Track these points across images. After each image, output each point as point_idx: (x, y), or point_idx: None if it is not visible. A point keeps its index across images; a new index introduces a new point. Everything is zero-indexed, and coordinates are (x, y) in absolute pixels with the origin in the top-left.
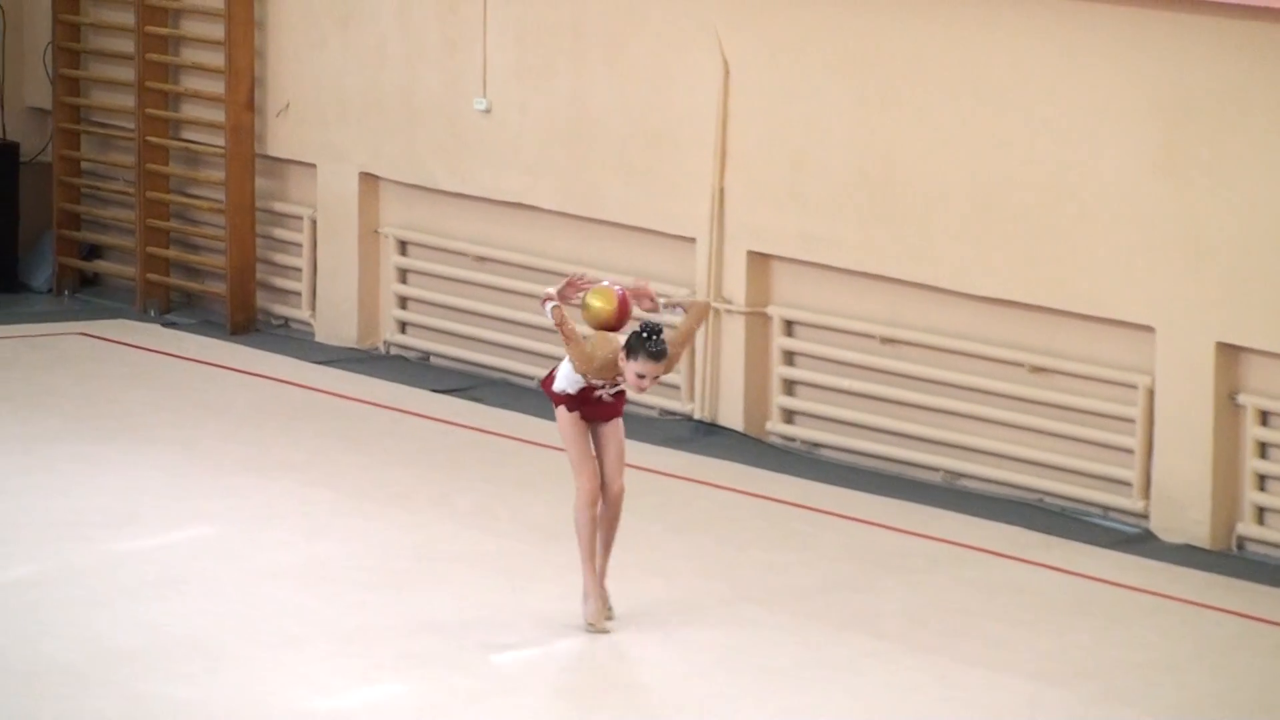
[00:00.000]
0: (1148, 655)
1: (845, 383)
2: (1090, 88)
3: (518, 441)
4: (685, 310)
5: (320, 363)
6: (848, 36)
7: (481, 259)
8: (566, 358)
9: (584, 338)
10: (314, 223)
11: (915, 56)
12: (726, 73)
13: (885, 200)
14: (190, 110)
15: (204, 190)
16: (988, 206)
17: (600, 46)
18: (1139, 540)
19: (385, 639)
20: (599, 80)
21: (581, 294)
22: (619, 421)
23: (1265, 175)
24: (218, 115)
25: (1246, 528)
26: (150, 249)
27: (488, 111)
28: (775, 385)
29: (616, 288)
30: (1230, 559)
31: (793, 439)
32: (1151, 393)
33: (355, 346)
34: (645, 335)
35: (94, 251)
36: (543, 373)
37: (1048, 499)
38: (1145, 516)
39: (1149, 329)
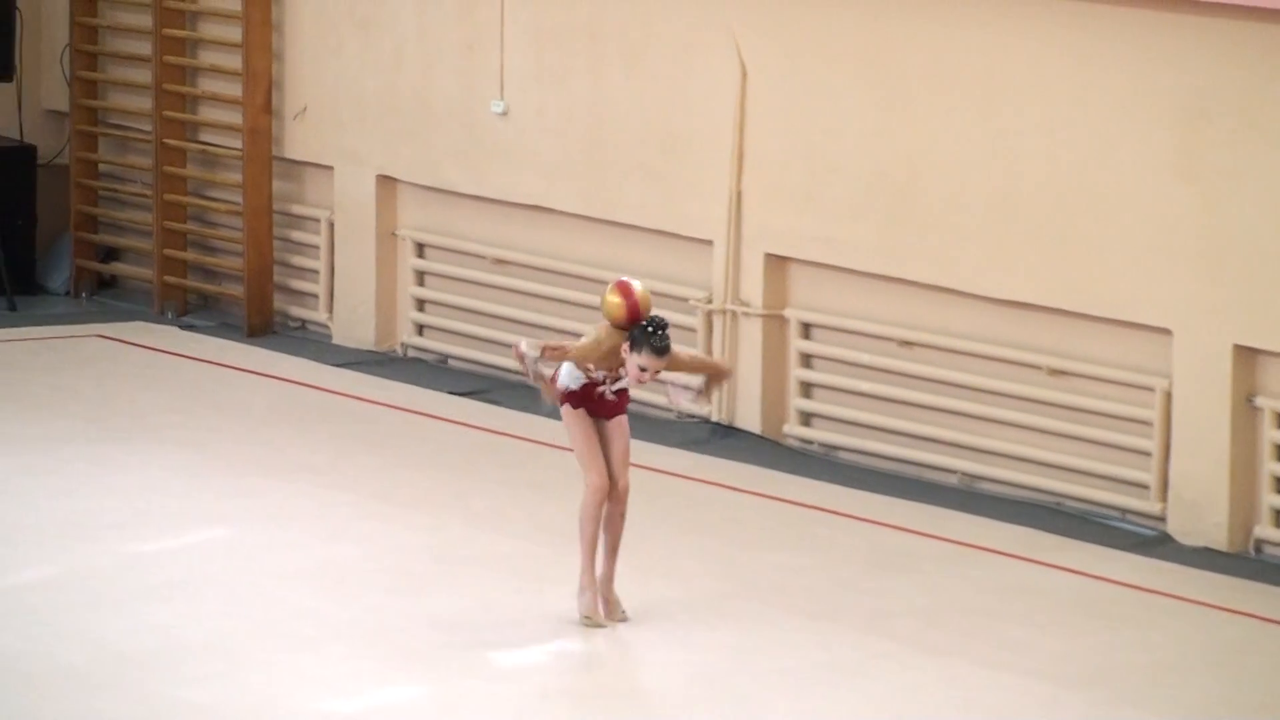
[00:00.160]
0: (1164, 658)
1: (863, 385)
2: (1109, 91)
3: (534, 444)
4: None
5: (337, 365)
6: (866, 40)
7: (499, 261)
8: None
9: (586, 337)
10: (331, 225)
11: (933, 60)
12: (744, 76)
13: (903, 203)
14: (207, 113)
15: (221, 193)
16: (1006, 209)
17: (618, 49)
18: (1156, 543)
19: (401, 641)
20: (617, 83)
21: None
22: (624, 419)
23: None
24: (235, 118)
25: (1264, 530)
26: (167, 251)
27: (505, 114)
28: (792, 388)
29: (635, 284)
30: (1248, 561)
31: (810, 441)
32: (1169, 395)
33: (372, 349)
34: (651, 330)
35: (111, 254)
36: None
37: (1065, 501)
38: (1162, 519)
39: (1166, 332)
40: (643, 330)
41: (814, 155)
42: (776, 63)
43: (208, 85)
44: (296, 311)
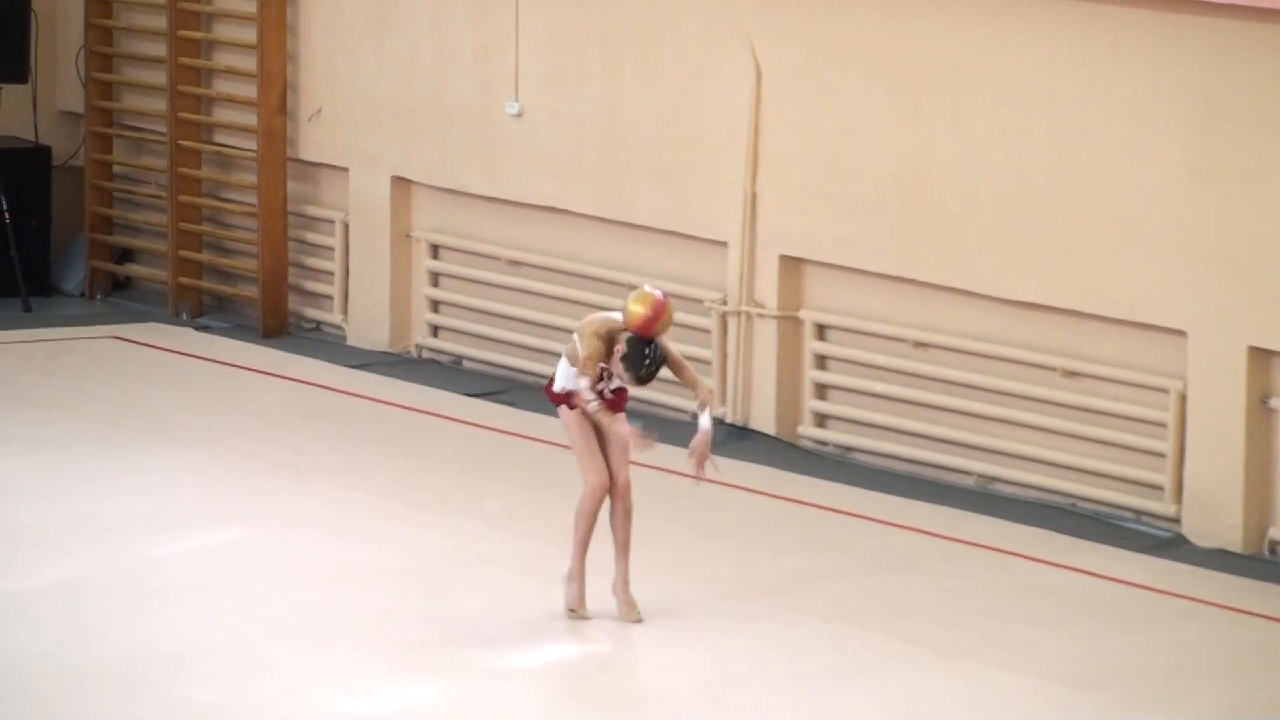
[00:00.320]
0: (1180, 660)
1: (877, 387)
2: (1123, 93)
3: (549, 445)
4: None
5: (352, 366)
6: (880, 42)
7: (513, 263)
8: (563, 358)
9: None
10: (346, 226)
11: (948, 61)
12: (759, 77)
13: (918, 204)
14: (222, 114)
15: (236, 194)
16: (1020, 211)
17: (632, 51)
18: (1171, 544)
19: (415, 641)
20: (631, 85)
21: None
22: (622, 418)
23: None
24: (250, 119)
25: (1279, 532)
26: (182, 252)
27: (520, 116)
28: (807, 389)
29: (658, 293)
30: (1262, 563)
31: (825, 443)
32: (1183, 397)
33: (387, 350)
34: (648, 362)
35: (126, 255)
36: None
37: (1080, 503)
38: (1177, 521)
39: (1181, 333)
40: (639, 357)
41: (829, 157)
42: (791, 65)
43: (222, 87)
44: (311, 313)
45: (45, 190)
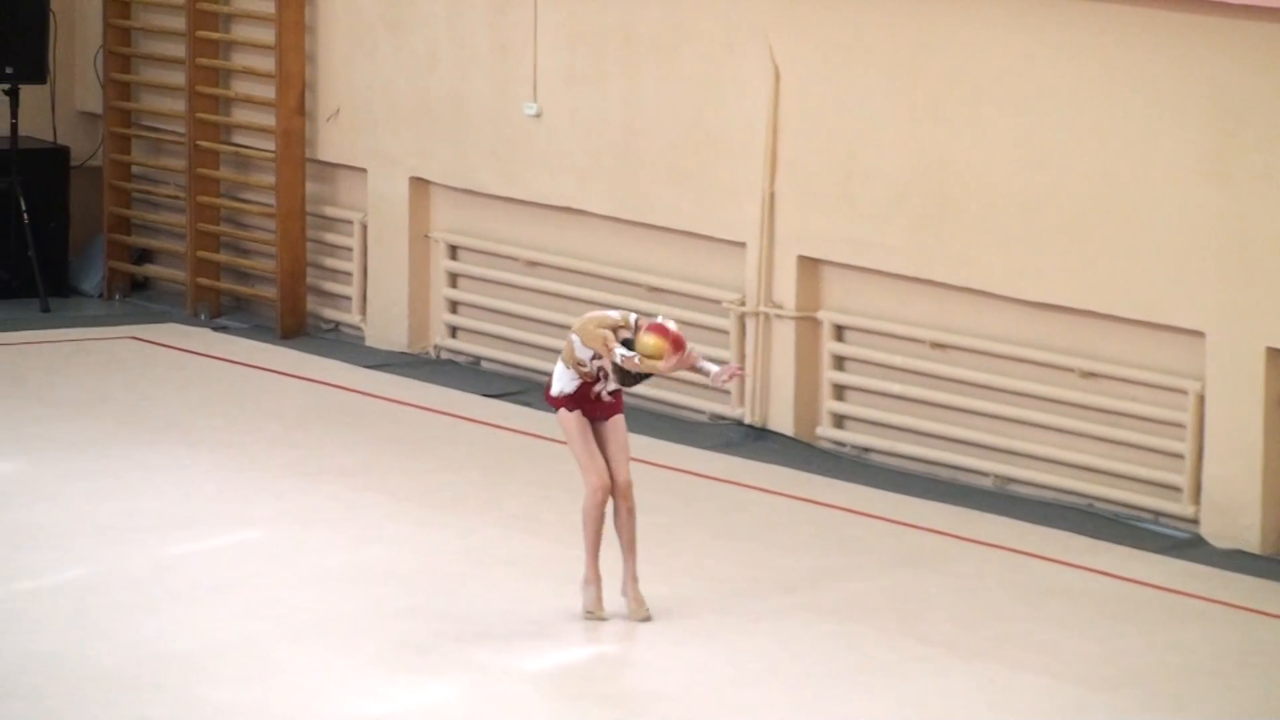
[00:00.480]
0: (1197, 660)
1: (895, 388)
2: (1141, 93)
3: (566, 446)
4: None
5: (370, 367)
6: (898, 43)
7: (532, 264)
8: (560, 362)
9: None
10: (364, 227)
11: (966, 62)
12: (777, 78)
13: (935, 205)
14: (241, 115)
15: (254, 194)
16: (1038, 211)
17: (651, 52)
18: (1189, 545)
19: (434, 643)
20: (650, 85)
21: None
22: (620, 419)
23: None
24: (268, 120)
25: None
26: (200, 253)
27: (538, 116)
28: (825, 390)
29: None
30: None
31: (843, 444)
32: (1202, 398)
33: (405, 351)
34: (631, 377)
35: (144, 256)
36: None
37: (1098, 504)
38: (1195, 522)
39: (1199, 334)
40: (626, 372)
41: (847, 158)
42: (810, 65)
43: (241, 87)
44: (329, 313)
45: (64, 191)
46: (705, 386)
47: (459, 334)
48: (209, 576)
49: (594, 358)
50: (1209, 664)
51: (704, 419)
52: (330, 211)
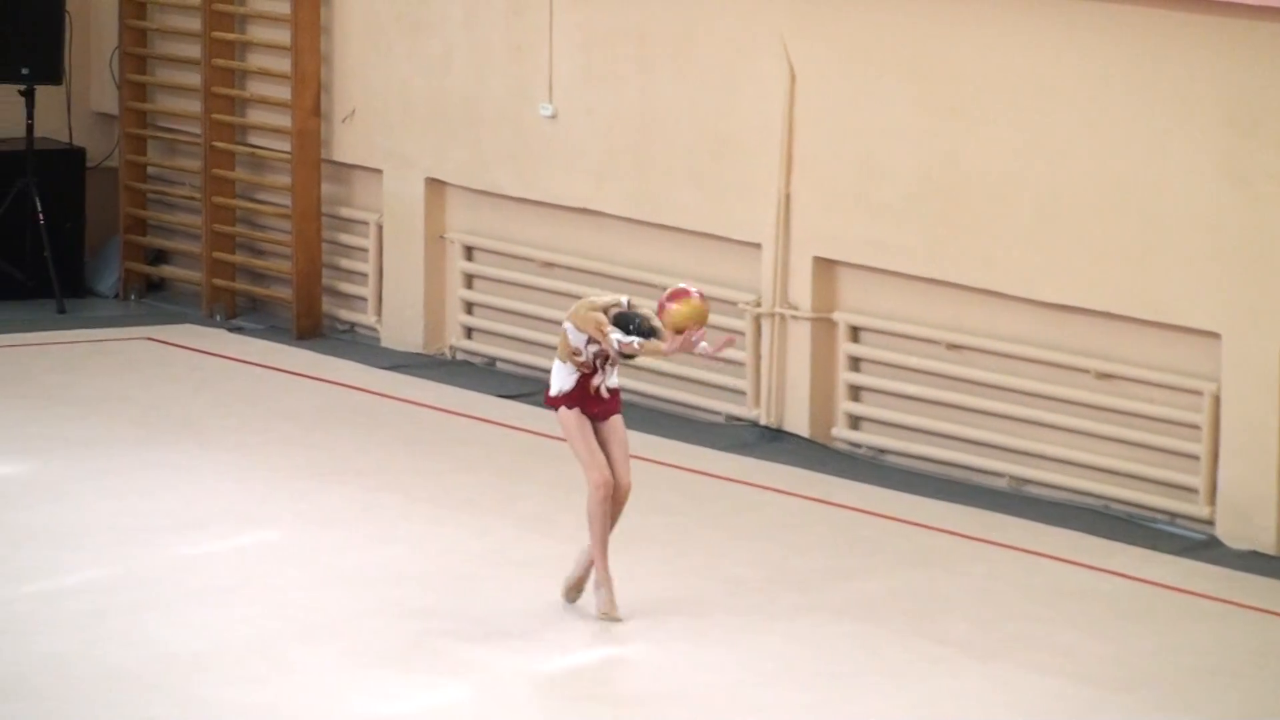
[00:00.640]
0: (1212, 661)
1: (911, 389)
2: (1157, 94)
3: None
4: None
5: (386, 368)
6: (914, 43)
7: (547, 264)
8: (556, 360)
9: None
10: (380, 228)
11: (981, 63)
12: (793, 79)
13: (951, 206)
14: (256, 116)
15: (270, 195)
16: (1054, 212)
17: (667, 52)
18: (1204, 546)
19: (448, 644)
20: (665, 86)
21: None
22: (619, 420)
23: None
24: (284, 120)
25: None
26: (216, 254)
27: (554, 117)
28: (841, 391)
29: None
30: None
31: (858, 444)
32: (1217, 399)
33: (421, 352)
34: (630, 325)
35: (160, 256)
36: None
37: (1113, 505)
38: (1211, 523)
39: (1215, 335)
40: (625, 319)
41: (863, 158)
42: (825, 66)
43: (256, 88)
44: (345, 314)
45: (79, 192)
46: (720, 387)
47: (474, 335)
48: (224, 577)
49: (589, 343)
50: (1224, 665)
51: (719, 420)
52: (346, 212)
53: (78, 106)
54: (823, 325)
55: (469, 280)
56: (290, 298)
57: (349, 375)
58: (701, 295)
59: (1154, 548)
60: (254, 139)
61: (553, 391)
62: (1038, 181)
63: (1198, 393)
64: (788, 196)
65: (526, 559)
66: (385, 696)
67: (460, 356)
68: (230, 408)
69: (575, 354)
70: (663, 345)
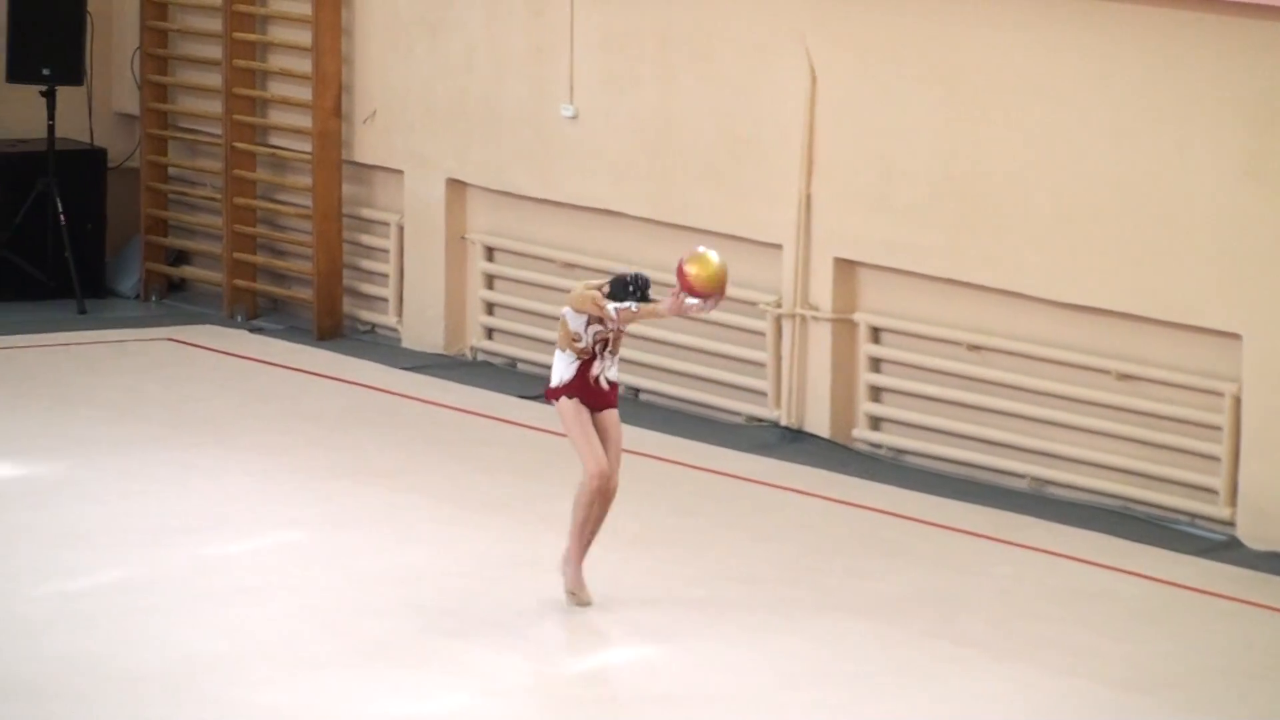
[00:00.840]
0: (1233, 663)
1: (931, 390)
2: (1177, 95)
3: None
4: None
5: (407, 369)
6: (934, 45)
7: (568, 265)
8: (557, 351)
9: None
10: (401, 229)
11: (1002, 64)
12: (813, 80)
13: (972, 207)
14: (277, 116)
15: (291, 196)
16: (1074, 213)
17: (687, 53)
18: (1225, 547)
19: (471, 646)
20: (686, 87)
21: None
22: (616, 415)
23: None
24: (305, 121)
25: None
26: (237, 255)
27: (575, 118)
28: (861, 392)
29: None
30: None
31: (879, 445)
32: (1238, 400)
33: (442, 352)
34: (631, 286)
35: (181, 257)
36: (632, 379)
37: (1133, 506)
38: (1231, 524)
39: (1235, 336)
40: (622, 284)
41: (883, 160)
42: (846, 67)
43: (277, 89)
44: (366, 315)
45: (100, 192)
46: (741, 388)
47: (495, 335)
48: (245, 578)
49: (589, 325)
50: (1245, 666)
51: (740, 421)
52: (367, 213)
53: (99, 107)
54: (843, 326)
55: (490, 281)
56: (311, 298)
57: (370, 376)
58: (720, 258)
59: (1174, 549)
60: (275, 140)
61: (553, 382)
62: (1058, 182)
63: (1218, 393)
64: (808, 197)
65: (547, 560)
66: (407, 697)
67: (481, 357)
68: (251, 408)
69: (575, 339)
70: (659, 307)
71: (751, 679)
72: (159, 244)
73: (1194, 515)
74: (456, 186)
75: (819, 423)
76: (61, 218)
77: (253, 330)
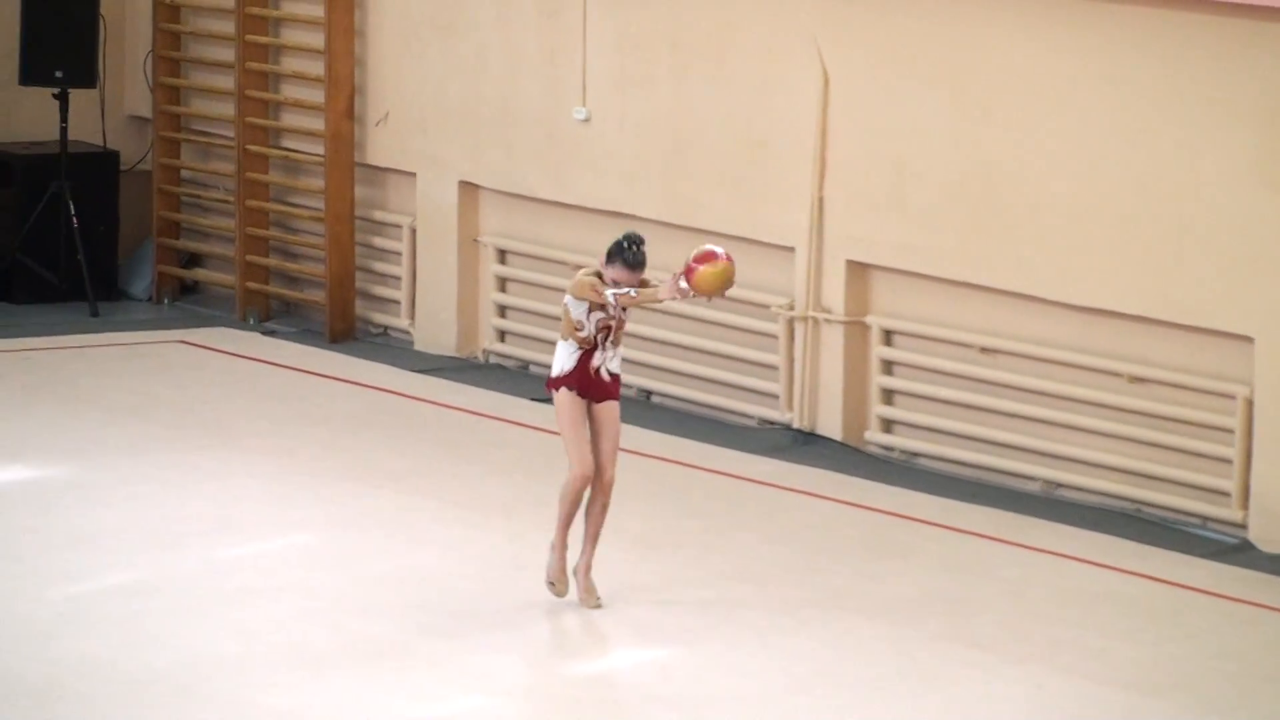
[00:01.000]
0: (1246, 665)
1: (944, 392)
2: (1189, 97)
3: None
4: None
5: (419, 371)
6: (946, 48)
7: (580, 268)
8: (559, 341)
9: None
10: (413, 231)
11: (1014, 67)
12: (826, 83)
13: (984, 210)
14: (290, 119)
15: (303, 198)
16: (1086, 216)
17: (700, 56)
18: (1237, 550)
19: (483, 648)
20: (699, 90)
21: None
22: (615, 409)
23: None
24: (317, 124)
25: None
26: (250, 257)
27: (587, 121)
28: (874, 394)
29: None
30: None
31: (891, 448)
32: (1250, 403)
33: (454, 355)
34: (625, 244)
35: (193, 259)
36: (644, 382)
37: (1146, 509)
38: (1244, 527)
39: (1247, 339)
40: (618, 245)
41: (896, 162)
42: (858, 70)
43: (290, 91)
44: (378, 317)
45: (113, 195)
46: (753, 390)
47: (507, 338)
48: (256, 580)
49: (590, 313)
50: (1257, 669)
51: (752, 423)
52: (379, 216)
53: (112, 110)
54: (855, 329)
55: (502, 283)
56: (324, 301)
57: (382, 379)
58: (729, 257)
59: (1186, 551)
60: (287, 142)
61: (554, 373)
62: (1070, 185)
63: (1230, 396)
64: (821, 200)
65: None
66: (416, 700)
67: (493, 360)
68: (263, 411)
69: (578, 328)
70: (659, 292)
71: (760, 681)
72: (171, 246)
73: (1205, 518)
74: (469, 189)
75: (831, 425)
76: (74, 220)
77: (265, 333)
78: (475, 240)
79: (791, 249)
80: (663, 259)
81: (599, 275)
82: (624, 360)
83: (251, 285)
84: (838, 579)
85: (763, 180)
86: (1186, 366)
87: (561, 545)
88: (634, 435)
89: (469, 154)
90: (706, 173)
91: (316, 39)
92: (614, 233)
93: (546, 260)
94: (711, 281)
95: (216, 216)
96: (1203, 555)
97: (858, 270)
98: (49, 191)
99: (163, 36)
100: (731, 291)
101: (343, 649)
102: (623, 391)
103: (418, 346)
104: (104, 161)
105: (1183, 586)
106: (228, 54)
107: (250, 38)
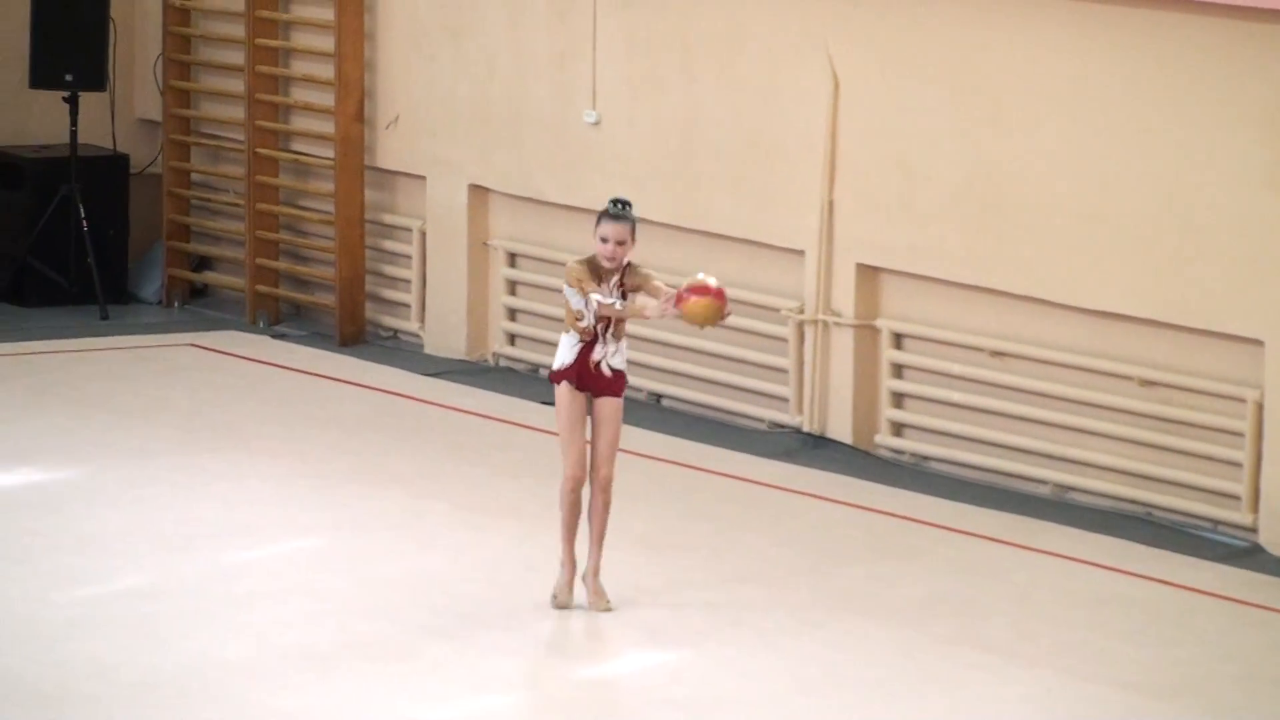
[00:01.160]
0: (1256, 669)
1: (954, 396)
2: (1199, 101)
3: (625, 454)
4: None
5: (429, 375)
6: (957, 51)
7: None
8: (561, 335)
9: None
10: (423, 235)
11: (1024, 70)
12: (836, 86)
13: (994, 213)
14: (300, 122)
15: (313, 202)
16: (1097, 220)
17: (710, 59)
18: (1247, 554)
19: (493, 651)
20: (709, 93)
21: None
22: (616, 405)
23: None
24: (327, 127)
25: None
26: (259, 260)
27: (597, 124)
28: (884, 398)
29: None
30: None
31: (901, 452)
32: (1260, 406)
33: (464, 358)
34: (611, 202)
35: (203, 263)
36: (654, 385)
37: (1156, 512)
38: (1254, 530)
39: (1258, 342)
40: (609, 204)
41: (906, 165)
42: (869, 73)
43: (300, 94)
44: (388, 321)
45: (123, 198)
46: (763, 394)
47: (518, 341)
48: (266, 583)
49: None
50: (1268, 673)
51: (762, 427)
52: (389, 219)
53: (121, 113)
54: (866, 332)
55: (512, 287)
56: (333, 304)
57: (392, 382)
58: (721, 294)
59: (1196, 555)
60: (297, 145)
61: (555, 365)
62: (1080, 188)
63: (1241, 399)
64: (831, 203)
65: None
66: (424, 702)
67: (503, 363)
68: (273, 414)
69: (578, 318)
70: (647, 310)
71: (768, 683)
72: (181, 249)
73: (1216, 521)
74: (479, 192)
75: (841, 429)
76: (84, 223)
77: (275, 336)
78: (485, 243)
79: (801, 252)
80: (672, 263)
81: (591, 260)
82: (634, 364)
83: (261, 288)
84: (846, 582)
85: (773, 183)
86: (1197, 370)
87: (569, 560)
88: (644, 438)
89: (479, 157)
90: (717, 176)
91: (326, 42)
92: None
93: (557, 263)
94: (699, 313)
95: (226, 220)
96: (1212, 559)
97: (868, 274)
98: (59, 195)
99: (173, 40)
100: (742, 294)
101: (351, 651)
102: (633, 395)
103: (427, 349)
104: (114, 165)
105: (1192, 590)
106: (238, 57)
107: (260, 41)
